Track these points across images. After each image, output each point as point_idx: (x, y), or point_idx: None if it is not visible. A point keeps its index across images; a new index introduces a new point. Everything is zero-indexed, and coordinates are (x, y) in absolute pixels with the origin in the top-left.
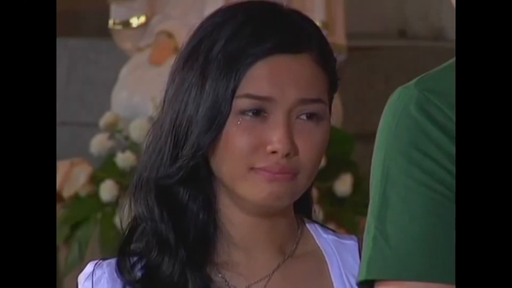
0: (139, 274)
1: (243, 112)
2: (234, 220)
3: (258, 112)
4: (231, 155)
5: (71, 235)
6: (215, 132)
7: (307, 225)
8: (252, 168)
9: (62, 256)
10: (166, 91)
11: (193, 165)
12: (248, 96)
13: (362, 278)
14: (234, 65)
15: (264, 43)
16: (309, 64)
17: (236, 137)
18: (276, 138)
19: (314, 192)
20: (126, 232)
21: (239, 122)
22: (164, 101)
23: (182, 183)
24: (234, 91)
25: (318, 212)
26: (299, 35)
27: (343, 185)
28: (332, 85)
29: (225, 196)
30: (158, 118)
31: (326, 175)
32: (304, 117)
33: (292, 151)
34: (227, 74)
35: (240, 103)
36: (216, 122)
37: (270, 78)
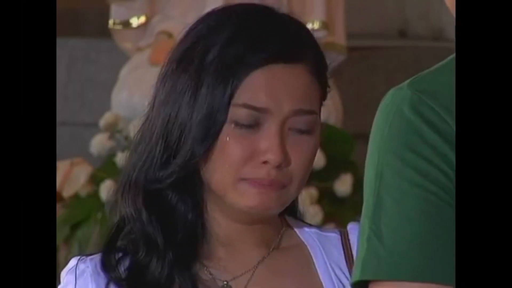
0: (124, 272)
1: (237, 121)
2: (221, 222)
3: (250, 123)
4: (223, 164)
5: (71, 235)
6: (210, 140)
7: (290, 221)
8: (242, 179)
9: (62, 256)
10: (157, 91)
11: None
12: (245, 106)
13: (356, 278)
14: (230, 73)
15: (261, 52)
16: (304, 74)
17: (229, 147)
18: (269, 149)
19: (314, 192)
20: (113, 230)
21: (232, 131)
22: (154, 102)
23: (171, 187)
24: (230, 99)
25: (316, 212)
26: (295, 45)
27: (343, 185)
28: (323, 94)
29: (212, 201)
30: (148, 117)
31: (326, 175)
32: (297, 128)
33: (284, 162)
34: (223, 81)
35: (236, 112)
36: (211, 131)
37: (267, 88)
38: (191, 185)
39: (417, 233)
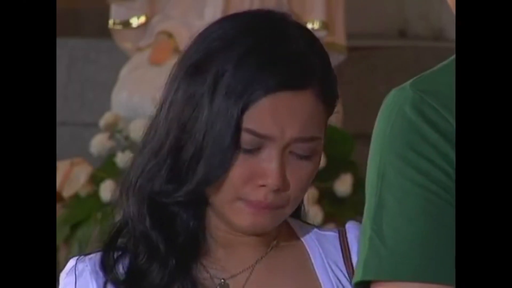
0: (122, 273)
1: (239, 146)
2: (221, 227)
3: (253, 148)
4: (223, 185)
5: (71, 235)
6: (223, 170)
7: (289, 220)
8: (240, 199)
9: (62, 256)
10: (167, 95)
11: None
12: (250, 131)
13: (358, 278)
14: (240, 97)
15: (270, 79)
16: (310, 99)
17: (230, 169)
18: (268, 173)
19: (314, 192)
20: (114, 229)
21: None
22: (162, 105)
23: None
24: (239, 125)
25: (316, 212)
26: (304, 70)
27: (343, 185)
28: (330, 113)
29: (213, 212)
30: (156, 121)
31: (326, 175)
32: (298, 153)
33: (282, 187)
34: (233, 107)
35: (241, 136)
36: (223, 161)
37: (272, 116)
38: (194, 197)
39: (418, 233)
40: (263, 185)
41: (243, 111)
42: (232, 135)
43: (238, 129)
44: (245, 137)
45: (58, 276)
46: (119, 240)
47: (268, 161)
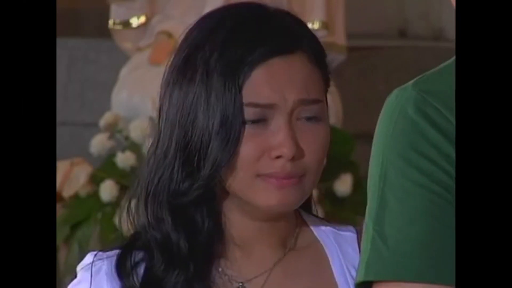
0: (139, 280)
1: (244, 121)
2: (237, 223)
3: (258, 119)
4: (238, 165)
5: (71, 235)
6: (234, 146)
7: (305, 218)
8: (259, 175)
9: (62, 256)
10: (163, 101)
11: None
12: (251, 104)
13: (360, 279)
14: (234, 75)
15: (259, 48)
16: (303, 63)
17: (242, 146)
18: (280, 143)
19: (314, 192)
20: (131, 237)
21: (243, 130)
22: (161, 113)
23: (195, 199)
24: (241, 101)
25: (318, 212)
26: (290, 36)
27: (343, 185)
28: (326, 82)
29: (229, 202)
30: (158, 125)
31: (326, 175)
32: (304, 118)
33: (297, 154)
34: (229, 84)
35: (244, 111)
36: (232, 136)
37: (269, 83)
38: (208, 191)
39: (420, 233)
40: (278, 157)
41: (240, 88)
42: (235, 112)
43: (240, 105)
44: (249, 112)
45: (58, 276)
46: (140, 243)
47: (278, 131)
